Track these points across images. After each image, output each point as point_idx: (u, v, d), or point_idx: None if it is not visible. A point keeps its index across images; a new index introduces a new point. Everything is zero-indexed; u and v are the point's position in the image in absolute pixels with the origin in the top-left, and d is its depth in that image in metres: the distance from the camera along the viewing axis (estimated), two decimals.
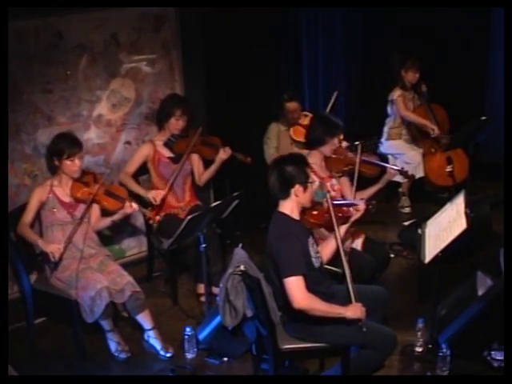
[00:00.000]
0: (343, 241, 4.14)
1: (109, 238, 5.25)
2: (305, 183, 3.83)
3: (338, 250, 4.04)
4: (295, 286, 3.67)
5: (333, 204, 4.08)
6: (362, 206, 4.20)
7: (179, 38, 5.47)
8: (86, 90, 5.12)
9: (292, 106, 5.74)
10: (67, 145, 4.46)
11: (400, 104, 6.32)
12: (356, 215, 4.21)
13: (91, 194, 4.50)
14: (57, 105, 5.01)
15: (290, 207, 3.86)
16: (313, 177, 4.05)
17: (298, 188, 3.82)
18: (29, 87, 4.85)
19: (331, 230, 4.15)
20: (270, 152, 5.80)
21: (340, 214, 4.15)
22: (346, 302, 3.86)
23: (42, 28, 4.82)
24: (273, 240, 3.80)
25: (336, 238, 4.01)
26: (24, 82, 4.82)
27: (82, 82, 5.09)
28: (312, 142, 4.78)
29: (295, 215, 3.88)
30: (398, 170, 5.05)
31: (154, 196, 5.00)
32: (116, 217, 4.62)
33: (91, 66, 5.10)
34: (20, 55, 4.74)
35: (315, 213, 4.17)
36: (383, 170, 4.96)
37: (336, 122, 4.76)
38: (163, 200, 5.10)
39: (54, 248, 4.39)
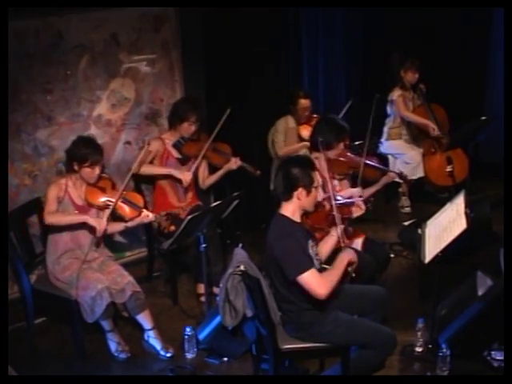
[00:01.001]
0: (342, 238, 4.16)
1: (109, 239, 5.23)
2: (309, 187, 3.81)
3: (336, 248, 4.09)
4: (311, 279, 3.66)
5: (336, 205, 4.09)
6: (362, 206, 4.27)
7: (179, 38, 5.47)
8: (86, 89, 5.12)
9: (306, 103, 5.76)
10: (91, 152, 4.39)
11: (400, 104, 6.32)
12: (356, 213, 4.26)
13: (110, 203, 4.46)
14: (57, 105, 5.01)
15: (291, 209, 3.84)
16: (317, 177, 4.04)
17: (300, 191, 3.80)
18: (29, 87, 4.85)
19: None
20: (281, 145, 5.81)
21: (342, 216, 4.16)
22: (344, 300, 3.91)
23: (41, 28, 4.82)
24: (272, 242, 3.79)
25: (338, 237, 4.04)
26: (24, 82, 4.82)
27: (82, 81, 5.09)
28: (318, 145, 4.76)
29: (296, 218, 3.86)
30: (397, 174, 5.09)
31: (186, 178, 5.03)
32: (131, 224, 4.58)
33: (91, 66, 5.10)
34: (20, 55, 4.74)
35: (317, 216, 4.16)
36: (383, 173, 4.99)
37: (343, 126, 4.74)
38: (164, 200, 5.12)
39: (100, 222, 4.40)
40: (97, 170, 4.45)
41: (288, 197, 3.82)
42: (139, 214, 4.53)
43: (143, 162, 5.08)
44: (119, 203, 4.50)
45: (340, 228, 4.06)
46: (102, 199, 4.48)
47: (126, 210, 4.52)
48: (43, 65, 4.88)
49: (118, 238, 5.46)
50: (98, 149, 4.48)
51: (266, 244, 3.84)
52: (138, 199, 4.65)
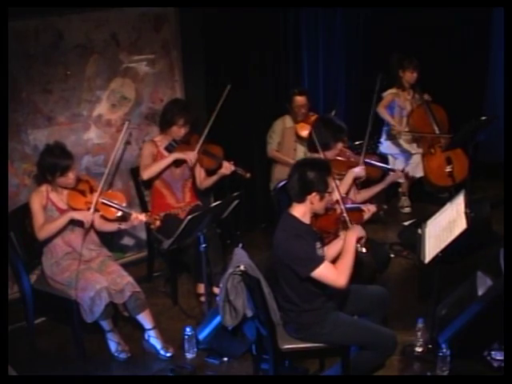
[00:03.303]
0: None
1: (109, 240, 5.24)
2: (323, 192, 3.79)
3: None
4: (326, 272, 3.67)
5: (346, 209, 4.08)
6: (373, 209, 4.27)
7: (179, 38, 5.47)
8: (86, 89, 5.12)
9: (301, 100, 5.75)
10: (59, 161, 4.37)
11: (383, 100, 6.31)
12: (366, 216, 4.26)
13: (90, 204, 4.46)
14: (57, 105, 5.01)
15: (302, 211, 3.83)
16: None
17: (314, 196, 3.78)
18: (29, 87, 4.85)
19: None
20: (272, 147, 5.82)
21: (352, 221, 4.12)
22: (344, 300, 3.90)
23: (41, 28, 4.82)
24: (280, 242, 3.78)
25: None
26: (24, 82, 4.82)
27: (82, 82, 5.09)
28: (316, 146, 4.75)
29: (306, 219, 3.85)
30: (402, 172, 5.09)
31: (191, 158, 5.00)
32: (123, 227, 4.59)
33: (91, 66, 5.09)
34: (20, 55, 4.74)
35: (327, 219, 4.14)
36: (384, 172, 4.99)
37: (341, 125, 4.72)
38: (162, 202, 5.13)
39: (87, 215, 4.39)
40: (71, 175, 4.43)
41: (301, 199, 3.81)
42: (122, 214, 4.54)
43: (145, 161, 5.10)
44: (100, 205, 4.49)
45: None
46: (84, 203, 4.48)
47: (107, 211, 4.52)
48: (43, 65, 4.88)
49: (118, 239, 5.47)
50: (65, 155, 4.44)
51: (274, 242, 3.83)
52: (119, 198, 4.64)
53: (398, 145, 6.48)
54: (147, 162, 5.11)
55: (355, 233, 3.84)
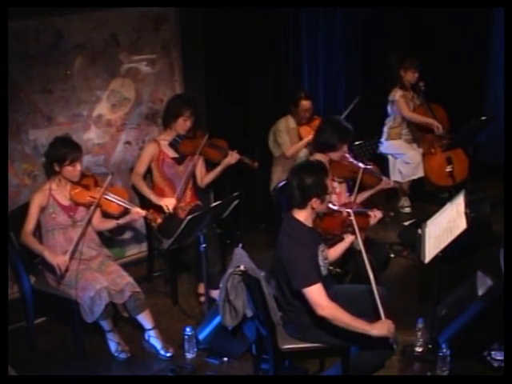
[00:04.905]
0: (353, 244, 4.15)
1: (109, 239, 5.24)
2: (323, 195, 3.78)
3: (346, 253, 4.15)
4: (317, 294, 3.64)
5: (355, 212, 4.08)
6: (379, 215, 4.30)
7: (179, 38, 5.47)
8: (86, 89, 5.12)
9: (307, 104, 5.74)
10: (69, 150, 4.41)
11: (403, 105, 6.30)
12: (372, 221, 4.29)
13: (94, 199, 4.48)
14: (57, 105, 5.01)
15: (304, 215, 3.81)
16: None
17: (315, 201, 3.77)
18: (29, 87, 4.85)
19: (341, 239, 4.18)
20: (287, 146, 5.76)
21: (361, 226, 4.12)
22: (345, 301, 3.87)
23: (42, 28, 4.82)
24: (284, 246, 3.77)
25: (361, 249, 3.96)
26: (24, 82, 4.82)
27: (82, 81, 5.09)
28: (321, 146, 4.73)
29: (309, 223, 3.84)
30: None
31: (168, 204, 4.96)
32: (122, 221, 4.62)
33: (91, 66, 5.10)
34: (20, 55, 4.74)
35: (332, 221, 4.12)
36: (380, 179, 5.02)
37: (348, 127, 4.70)
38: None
39: (60, 260, 4.35)
40: (78, 167, 4.46)
41: (303, 206, 3.80)
42: (125, 209, 4.55)
43: (138, 167, 5.11)
44: (103, 200, 4.51)
45: (359, 237, 4.00)
46: (87, 197, 4.50)
47: (110, 206, 4.54)
48: (43, 65, 4.88)
49: (118, 238, 5.47)
50: (75, 146, 4.49)
51: (277, 244, 3.83)
52: (123, 194, 4.67)
53: (399, 145, 6.48)
54: (140, 168, 5.10)
55: (380, 330, 3.68)
